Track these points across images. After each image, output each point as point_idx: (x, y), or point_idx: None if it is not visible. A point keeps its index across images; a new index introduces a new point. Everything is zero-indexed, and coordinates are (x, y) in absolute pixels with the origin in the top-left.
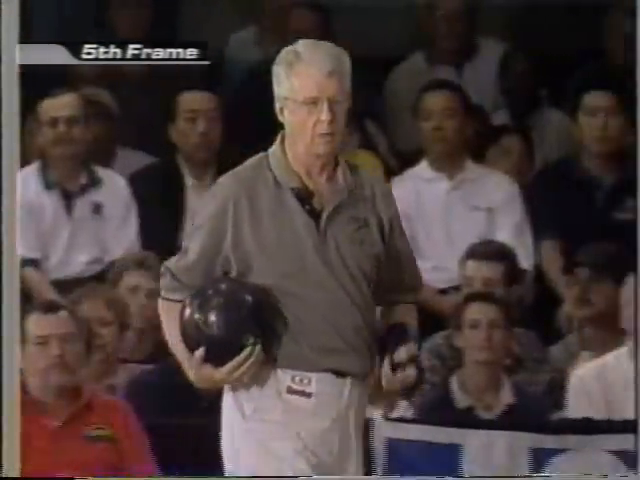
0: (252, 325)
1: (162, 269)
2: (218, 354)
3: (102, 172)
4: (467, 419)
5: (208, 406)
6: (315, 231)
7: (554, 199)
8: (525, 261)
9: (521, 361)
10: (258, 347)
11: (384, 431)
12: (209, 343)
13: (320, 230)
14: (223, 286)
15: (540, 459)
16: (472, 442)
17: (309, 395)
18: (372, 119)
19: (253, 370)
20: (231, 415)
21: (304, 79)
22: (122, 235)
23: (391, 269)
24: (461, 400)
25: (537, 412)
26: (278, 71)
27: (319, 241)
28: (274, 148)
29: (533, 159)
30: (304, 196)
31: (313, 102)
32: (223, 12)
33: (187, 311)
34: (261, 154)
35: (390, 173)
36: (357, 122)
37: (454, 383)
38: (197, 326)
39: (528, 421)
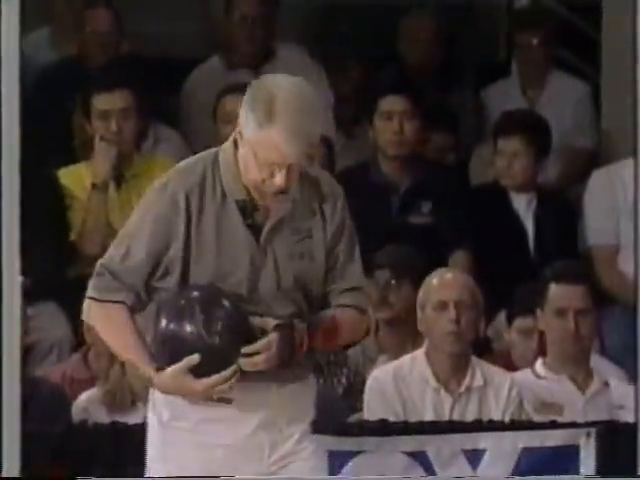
0: (241, 342)
1: (98, 268)
2: (210, 365)
3: None
4: None
5: None
6: (254, 246)
7: (350, 204)
8: None
9: (319, 365)
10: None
11: None
12: (205, 352)
13: (259, 245)
14: (226, 302)
15: (338, 462)
16: None
17: (229, 401)
18: (166, 123)
19: (227, 389)
20: (151, 420)
21: (270, 145)
22: None
23: (327, 275)
24: None
25: (335, 415)
26: (247, 111)
27: (257, 256)
28: (226, 151)
29: (334, 163)
30: (247, 209)
31: (272, 164)
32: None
33: (185, 320)
34: (213, 151)
35: None
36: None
37: None
38: (197, 334)
39: (326, 424)
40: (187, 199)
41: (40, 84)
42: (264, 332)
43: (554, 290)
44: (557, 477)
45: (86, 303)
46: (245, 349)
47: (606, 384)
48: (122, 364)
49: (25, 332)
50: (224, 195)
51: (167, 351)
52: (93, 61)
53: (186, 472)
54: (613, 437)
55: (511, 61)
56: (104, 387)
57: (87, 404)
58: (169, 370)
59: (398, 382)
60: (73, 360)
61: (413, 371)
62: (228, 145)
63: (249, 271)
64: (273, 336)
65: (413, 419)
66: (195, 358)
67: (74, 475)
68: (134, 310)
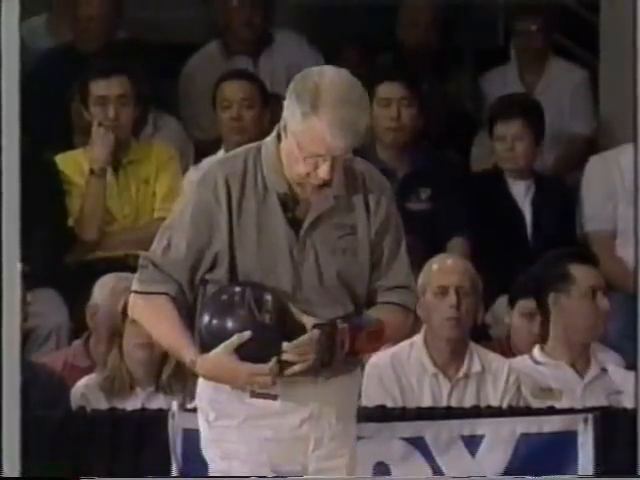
0: (284, 333)
1: (141, 261)
2: (257, 345)
3: None
4: None
5: None
6: (294, 240)
7: None
8: None
9: None
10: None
11: (181, 422)
12: (255, 331)
13: (299, 239)
14: (270, 294)
15: None
16: None
17: (275, 397)
18: (165, 108)
19: (267, 384)
20: (200, 421)
21: (316, 136)
22: None
23: (372, 272)
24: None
25: None
26: (292, 102)
27: (296, 250)
28: (268, 145)
29: None
30: (289, 203)
31: (317, 155)
32: None
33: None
34: (255, 144)
35: (187, 163)
36: (149, 111)
37: None
38: (249, 313)
39: None
40: (227, 187)
41: (38, 70)
42: (303, 330)
43: (582, 271)
44: (556, 477)
45: (131, 298)
46: (286, 346)
47: (604, 370)
48: (120, 349)
49: (24, 318)
50: (265, 188)
51: (215, 345)
52: (89, 47)
53: (234, 466)
54: (611, 423)
55: (509, 47)
56: (102, 373)
57: (85, 390)
58: (214, 351)
59: (396, 368)
60: (74, 347)
61: (411, 357)
62: (271, 139)
63: (290, 266)
64: (315, 333)
65: (411, 405)
66: (246, 334)
67: (75, 475)
68: (178, 303)
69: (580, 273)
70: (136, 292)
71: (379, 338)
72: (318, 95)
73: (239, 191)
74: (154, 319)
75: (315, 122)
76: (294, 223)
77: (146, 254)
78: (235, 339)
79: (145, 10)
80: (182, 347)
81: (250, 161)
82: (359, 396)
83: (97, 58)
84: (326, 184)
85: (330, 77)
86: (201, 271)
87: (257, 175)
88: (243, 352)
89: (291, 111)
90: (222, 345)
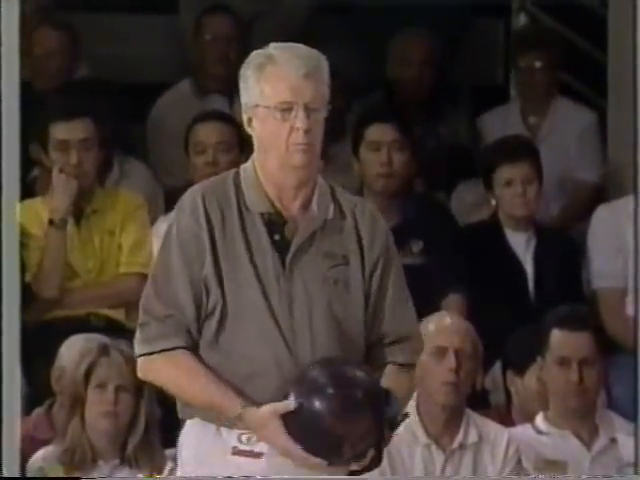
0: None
1: (141, 318)
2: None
3: None
4: None
5: None
6: (279, 266)
7: None
8: None
9: None
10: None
11: None
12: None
13: (286, 266)
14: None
15: None
16: None
17: (259, 455)
18: (132, 152)
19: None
20: None
21: (277, 82)
22: None
23: (375, 317)
24: None
25: None
26: (246, 75)
27: (283, 279)
28: (246, 165)
29: None
30: (275, 223)
31: (287, 108)
32: None
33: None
34: (233, 170)
35: (156, 212)
36: (114, 156)
37: None
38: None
39: None
40: (204, 206)
41: None
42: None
43: (556, 337)
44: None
45: (142, 362)
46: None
47: (614, 440)
48: (82, 418)
49: None
50: (247, 210)
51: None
52: (46, 85)
53: None
54: None
55: (509, 85)
56: (62, 444)
57: (43, 464)
58: (264, 408)
59: None
60: (35, 417)
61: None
62: (248, 163)
63: (277, 296)
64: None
65: (401, 479)
66: (292, 404)
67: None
68: (193, 350)
69: (556, 339)
70: (147, 354)
71: None
72: (269, 53)
73: (218, 208)
74: (180, 377)
75: (271, 69)
76: (282, 248)
77: (144, 309)
78: (279, 406)
79: (110, 46)
80: (224, 401)
81: (229, 181)
82: None
83: (58, 98)
84: (308, 144)
85: (280, 43)
86: (204, 303)
87: (238, 195)
88: (291, 429)
89: (244, 86)
90: (272, 405)
